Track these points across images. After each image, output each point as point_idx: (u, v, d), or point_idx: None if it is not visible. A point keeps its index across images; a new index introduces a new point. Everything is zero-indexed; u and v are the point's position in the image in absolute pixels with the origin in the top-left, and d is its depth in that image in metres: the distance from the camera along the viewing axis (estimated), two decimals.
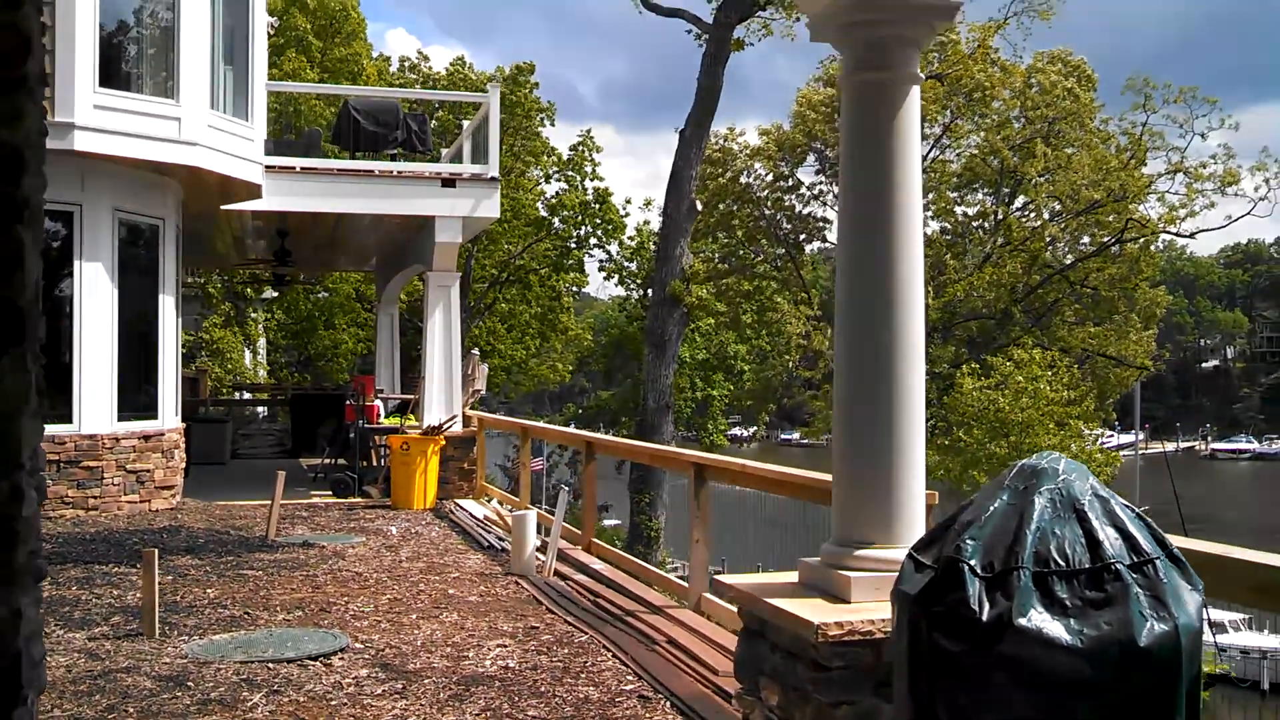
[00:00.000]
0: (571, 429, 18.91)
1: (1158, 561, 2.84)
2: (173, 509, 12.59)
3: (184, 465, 13.45)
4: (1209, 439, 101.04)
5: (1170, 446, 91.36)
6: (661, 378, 23.00)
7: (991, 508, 3.03)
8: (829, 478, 5.89)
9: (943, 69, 30.32)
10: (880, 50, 4.87)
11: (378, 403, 17.30)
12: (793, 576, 4.93)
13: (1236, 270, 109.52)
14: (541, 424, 18.87)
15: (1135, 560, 2.84)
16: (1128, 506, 2.97)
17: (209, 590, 8.25)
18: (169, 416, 12.93)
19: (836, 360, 5.02)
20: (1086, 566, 2.83)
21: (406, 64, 34.69)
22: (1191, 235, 35.11)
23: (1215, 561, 3.12)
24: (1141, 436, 51.87)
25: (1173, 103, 32.37)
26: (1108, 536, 2.87)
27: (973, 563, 2.94)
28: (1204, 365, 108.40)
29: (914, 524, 4.60)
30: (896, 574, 4.24)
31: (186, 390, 14.61)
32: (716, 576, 4.96)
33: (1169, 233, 32.71)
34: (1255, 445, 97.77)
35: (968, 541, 2.99)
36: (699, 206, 25.80)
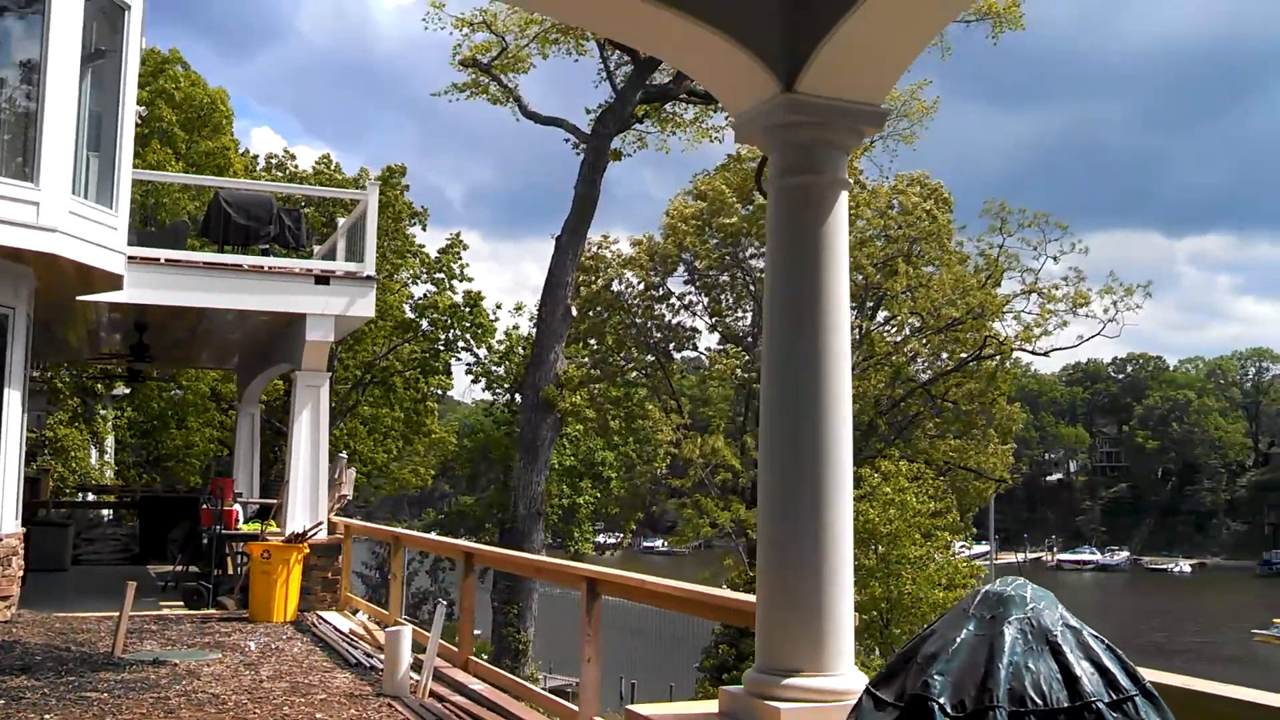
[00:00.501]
0: (447, 539, 18.28)
1: (1136, 699, 2.64)
2: (7, 621, 11.59)
3: (21, 573, 12.44)
4: (1054, 550, 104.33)
5: (1019, 557, 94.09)
6: (533, 484, 22.55)
7: (958, 639, 2.80)
8: (739, 597, 5.63)
9: None
10: (809, 154, 4.78)
11: (236, 507, 16.44)
12: (711, 706, 4.63)
13: (1077, 388, 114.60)
14: (416, 533, 18.22)
15: (1114, 698, 2.64)
16: (1098, 637, 2.78)
17: (46, 716, 7.49)
18: (8, 520, 11.97)
19: (761, 475, 4.81)
20: (1065, 706, 2.60)
21: (273, 161, 34.10)
22: (1046, 354, 36.48)
23: (1198, 700, 2.94)
24: (991, 548, 53.15)
25: (1027, 226, 33.90)
26: (1084, 671, 2.66)
27: (942, 700, 2.69)
28: (1049, 479, 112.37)
29: (844, 650, 4.37)
30: (828, 705, 3.94)
31: (27, 491, 13.60)
32: (630, 708, 4.61)
33: (1025, 350, 33.96)
34: (1098, 556, 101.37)
35: (935, 677, 2.74)
36: (574, 312, 25.72)
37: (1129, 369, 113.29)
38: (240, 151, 34.51)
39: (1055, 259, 33.81)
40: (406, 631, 8.90)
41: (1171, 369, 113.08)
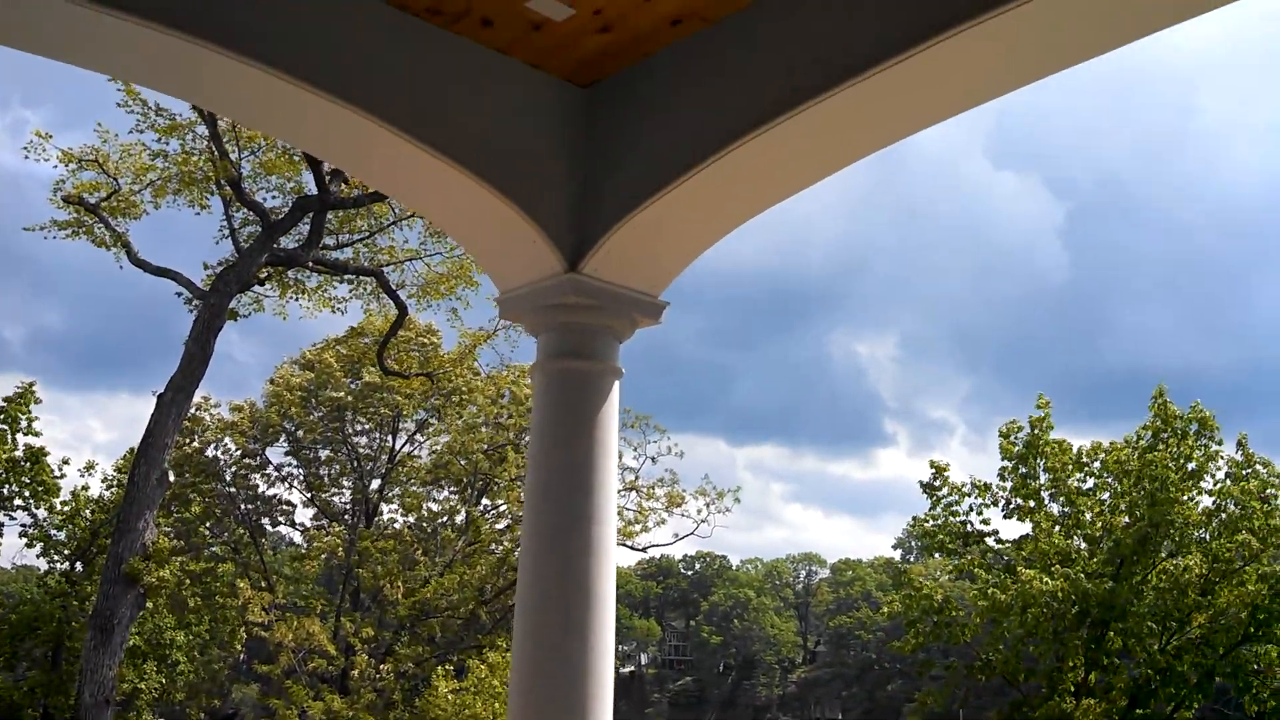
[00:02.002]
0: None
1: None
2: None
3: None
4: None
5: None
6: (103, 667, 19.99)
7: None
8: None
9: (431, 368, 31.10)
10: (588, 338, 4.67)
11: None
12: None
13: (651, 582, 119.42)
14: None
15: None
16: None
17: None
18: None
19: (515, 669, 4.46)
20: None
21: None
22: (644, 550, 37.73)
23: None
24: None
25: (629, 427, 35.41)
26: None
27: None
28: (623, 670, 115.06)
29: None
30: None
31: None
32: None
33: (625, 546, 34.92)
34: None
35: None
36: (171, 477, 23.65)
37: (698, 566, 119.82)
38: None
39: (654, 459, 35.47)
40: None
41: (734, 568, 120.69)
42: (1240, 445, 22.27)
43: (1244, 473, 21.96)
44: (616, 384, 4.74)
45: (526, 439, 35.77)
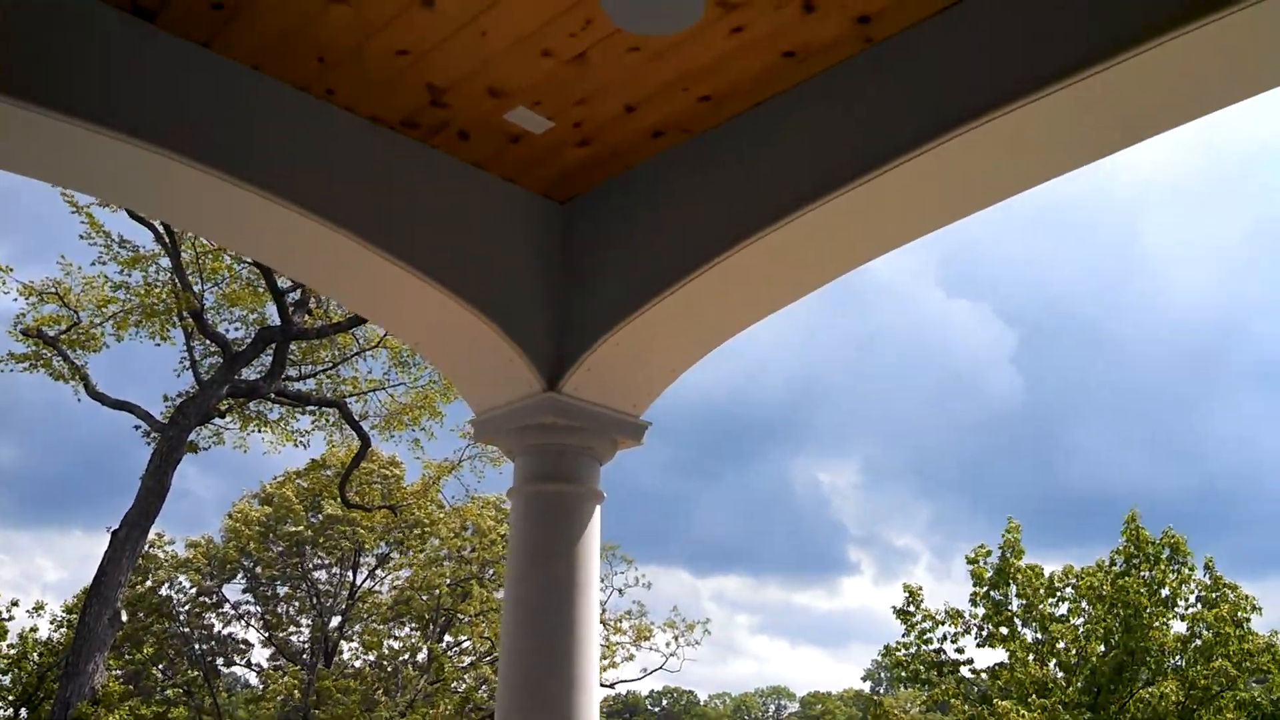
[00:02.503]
0: None
1: None
2: None
3: None
4: None
5: None
6: None
7: None
8: None
9: (393, 500, 30.61)
10: (568, 460, 4.48)
11: None
12: None
13: (616, 718, 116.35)
14: None
15: None
16: None
17: None
18: None
19: None
20: None
21: None
22: (611, 686, 36.75)
23: None
24: None
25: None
26: None
27: None
28: None
29: None
30: None
31: None
32: None
33: None
34: None
35: None
36: (124, 617, 22.87)
37: (665, 702, 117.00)
38: None
39: (621, 591, 34.82)
40: None
41: (702, 703, 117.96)
42: (1209, 569, 22.14)
43: (1214, 596, 21.80)
44: (598, 508, 4.53)
45: (491, 572, 35.11)
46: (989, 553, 22.71)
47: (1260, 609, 21.62)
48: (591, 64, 3.99)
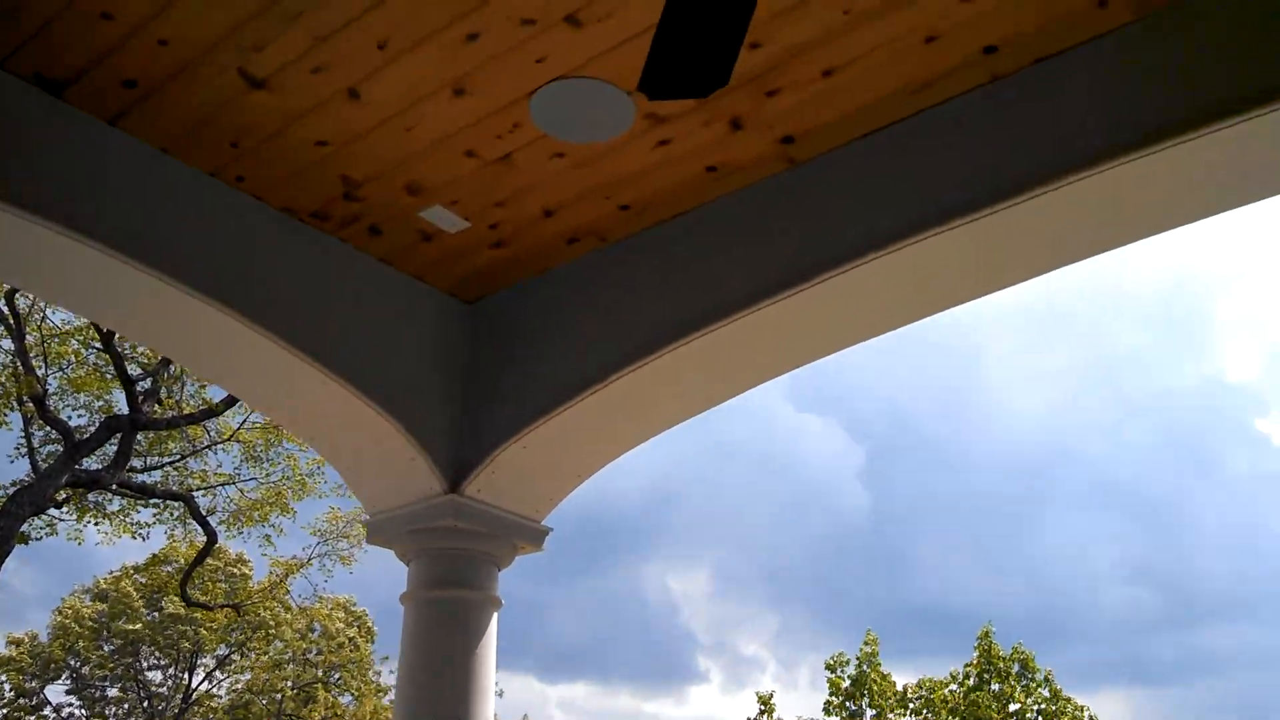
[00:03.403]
0: None
1: None
2: None
3: None
4: None
5: None
6: None
7: None
8: None
9: (238, 598, 29.35)
10: (466, 565, 4.37)
11: None
12: None
13: None
14: None
15: None
16: None
17: None
18: None
19: None
20: None
21: None
22: None
23: None
24: None
25: None
26: None
27: None
28: None
29: None
30: None
31: None
32: None
33: None
34: None
35: None
36: None
37: None
38: None
39: None
40: None
41: None
42: (1048, 682, 22.70)
43: (1054, 709, 22.32)
44: (495, 615, 4.41)
45: (338, 676, 33.85)
46: (847, 661, 22.89)
47: None
48: (515, 167, 3.98)
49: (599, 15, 3.29)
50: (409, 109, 3.71)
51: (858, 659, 22.77)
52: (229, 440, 25.63)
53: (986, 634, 22.46)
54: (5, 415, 25.55)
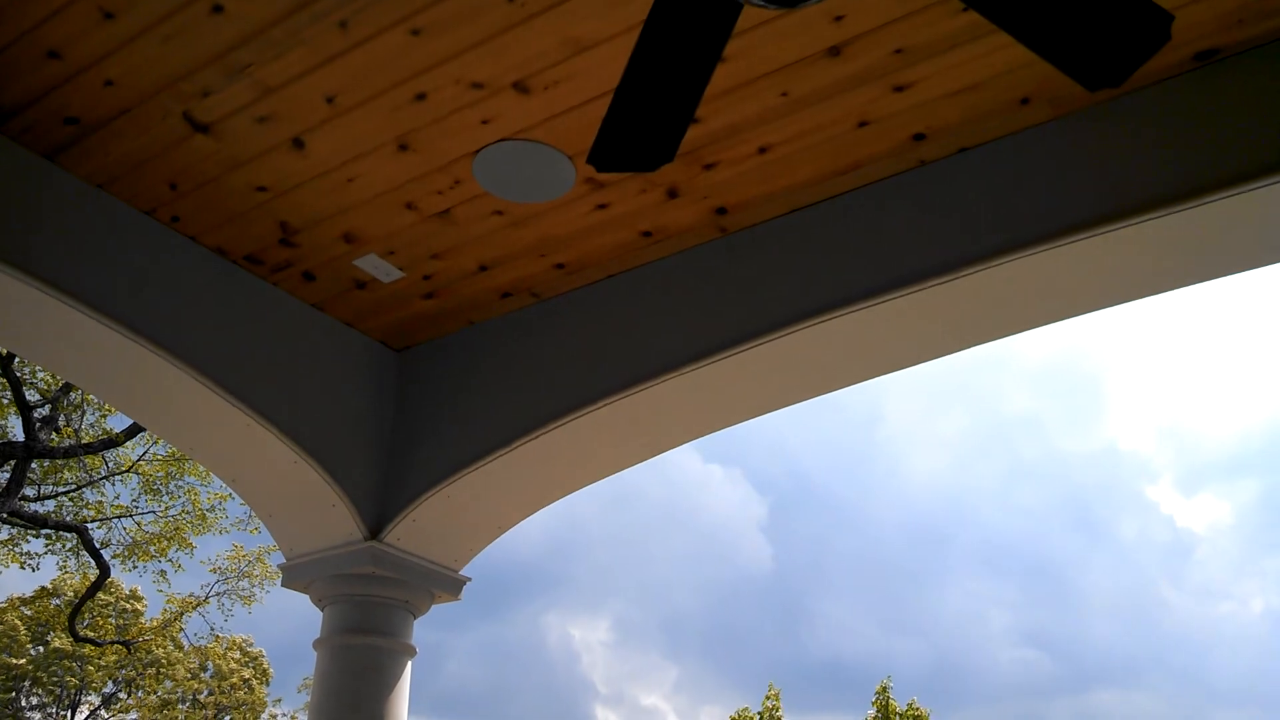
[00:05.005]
0: None
1: None
2: None
3: None
4: None
5: None
6: None
7: None
8: None
9: (130, 635, 28.48)
10: (382, 612, 4.37)
11: None
12: None
13: None
14: None
15: None
16: None
17: None
18: None
19: None
20: None
21: None
22: None
23: None
24: None
25: None
26: None
27: None
28: None
29: None
30: None
31: None
32: None
33: None
34: None
35: None
36: None
37: None
38: None
39: None
40: None
41: None
42: None
43: None
44: (409, 664, 4.40)
45: (228, 717, 32.89)
46: (752, 717, 22.95)
47: None
48: (454, 222, 4.04)
49: (546, 83, 3.39)
50: (352, 161, 3.76)
51: (759, 714, 22.83)
52: (128, 471, 24.98)
53: (884, 689, 22.67)
54: None
